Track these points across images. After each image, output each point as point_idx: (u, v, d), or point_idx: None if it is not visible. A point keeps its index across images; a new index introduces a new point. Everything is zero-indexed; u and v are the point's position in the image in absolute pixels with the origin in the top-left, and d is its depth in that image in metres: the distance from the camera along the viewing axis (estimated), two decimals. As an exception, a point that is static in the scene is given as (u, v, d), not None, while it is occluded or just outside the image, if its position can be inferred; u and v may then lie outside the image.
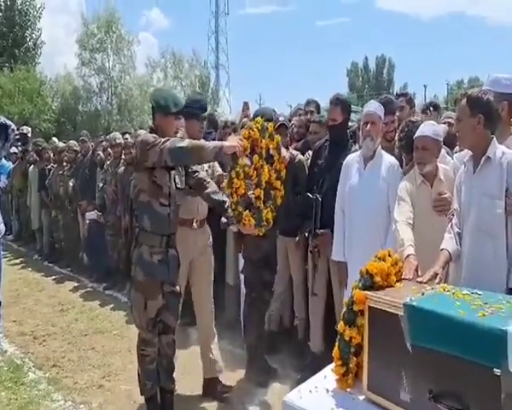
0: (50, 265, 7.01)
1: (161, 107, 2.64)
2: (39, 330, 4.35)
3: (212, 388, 3.09)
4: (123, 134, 5.86)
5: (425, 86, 35.22)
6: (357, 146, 3.24)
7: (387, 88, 40.80)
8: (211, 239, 3.21)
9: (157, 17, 69.08)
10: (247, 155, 2.42)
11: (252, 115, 3.44)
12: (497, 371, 1.26)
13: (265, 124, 2.47)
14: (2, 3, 25.11)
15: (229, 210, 2.48)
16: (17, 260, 7.40)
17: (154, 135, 2.53)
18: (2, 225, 3.67)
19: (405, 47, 66.17)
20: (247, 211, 2.44)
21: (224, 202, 2.62)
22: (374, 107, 2.91)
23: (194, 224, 3.01)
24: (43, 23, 26.94)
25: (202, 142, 2.62)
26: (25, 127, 4.19)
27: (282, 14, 77.87)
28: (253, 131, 2.40)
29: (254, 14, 78.32)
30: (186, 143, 2.42)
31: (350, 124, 3.82)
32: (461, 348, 1.35)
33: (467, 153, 2.25)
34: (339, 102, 3.20)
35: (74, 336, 4.18)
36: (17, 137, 3.54)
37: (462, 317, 1.38)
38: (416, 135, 2.51)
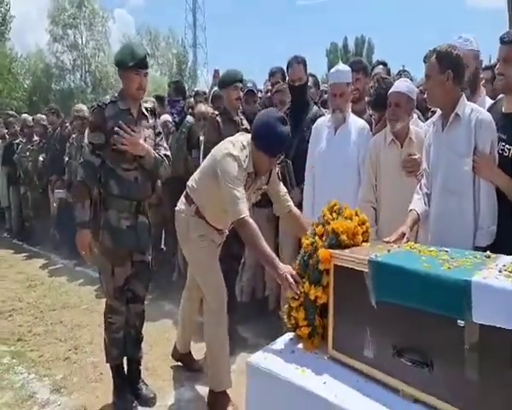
0: (20, 243, 6.80)
1: (119, 63, 2.49)
2: (5, 305, 4.20)
3: (188, 362, 3.00)
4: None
5: (403, 66, 34.44)
6: (316, 107, 3.21)
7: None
8: None
9: (132, -7, 66.95)
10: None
11: (220, 78, 3.30)
12: (461, 323, 1.25)
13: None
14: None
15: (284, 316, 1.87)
16: (-16, 239, 7.16)
17: None
18: None
19: (385, 28, 65.89)
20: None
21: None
22: (340, 75, 2.80)
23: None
24: (13, -1, 25.70)
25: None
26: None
27: (261, -9, 76.56)
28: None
29: (233, -11, 76.72)
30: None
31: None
32: (425, 302, 1.34)
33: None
34: (301, 61, 3.12)
35: (42, 311, 4.06)
36: None
37: (426, 270, 1.36)
38: (390, 91, 2.46)
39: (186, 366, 2.99)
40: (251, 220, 2.14)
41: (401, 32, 64.63)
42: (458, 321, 1.26)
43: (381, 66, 3.59)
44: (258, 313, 3.57)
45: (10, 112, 7.94)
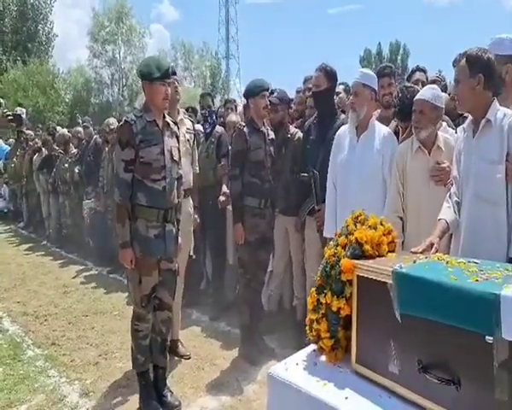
0: (57, 250, 7.08)
1: (145, 75, 2.53)
2: (42, 310, 4.36)
3: (175, 347, 3.27)
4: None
5: (440, 71, 32.86)
6: (344, 116, 3.14)
7: (402, 74, 39.57)
8: (193, 213, 3.33)
9: (167, 10, 69.21)
10: None
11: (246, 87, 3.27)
12: (490, 339, 1.19)
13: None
14: (15, -1, 25.37)
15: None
16: (26, 245, 7.49)
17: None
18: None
19: (420, 33, 64.71)
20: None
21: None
22: (357, 76, 2.74)
23: None
24: (56, 18, 27.37)
25: None
26: (18, 108, 4.17)
27: (292, 3, 77.40)
28: None
29: (265, 2, 78.04)
30: None
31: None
32: (451, 316, 1.28)
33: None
34: (322, 69, 3.07)
35: (75, 316, 4.18)
36: (10, 118, 3.46)
37: (452, 282, 1.30)
38: (415, 98, 2.39)
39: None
40: None
41: (437, 37, 63.09)
42: (486, 337, 1.19)
43: (421, 72, 3.44)
44: (286, 323, 3.53)
45: (53, 125, 8.37)
